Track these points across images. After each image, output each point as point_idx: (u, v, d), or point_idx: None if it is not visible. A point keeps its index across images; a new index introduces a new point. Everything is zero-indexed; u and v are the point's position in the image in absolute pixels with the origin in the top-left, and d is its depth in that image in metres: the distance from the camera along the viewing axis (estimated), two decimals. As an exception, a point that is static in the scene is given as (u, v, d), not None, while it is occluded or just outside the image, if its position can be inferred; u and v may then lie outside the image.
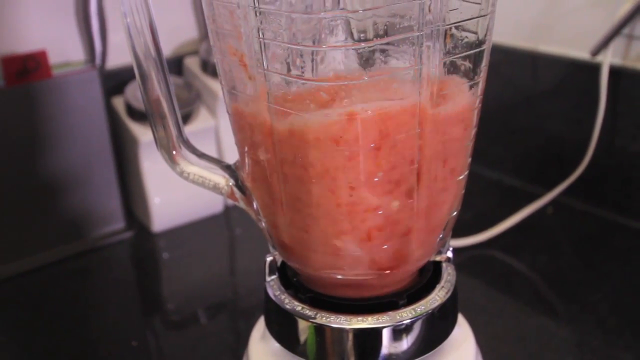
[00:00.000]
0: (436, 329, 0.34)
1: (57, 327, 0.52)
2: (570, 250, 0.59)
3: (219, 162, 0.36)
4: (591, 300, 0.51)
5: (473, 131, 0.33)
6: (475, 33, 0.30)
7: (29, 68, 0.57)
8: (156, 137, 0.35)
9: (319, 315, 0.33)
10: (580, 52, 0.63)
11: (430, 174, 0.31)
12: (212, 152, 0.68)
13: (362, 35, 0.28)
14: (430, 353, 0.34)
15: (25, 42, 0.60)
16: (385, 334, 0.32)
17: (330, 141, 0.29)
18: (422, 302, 0.34)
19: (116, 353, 0.49)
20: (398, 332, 0.32)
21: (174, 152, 0.35)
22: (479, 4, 0.30)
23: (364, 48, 0.28)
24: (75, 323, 0.52)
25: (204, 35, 0.71)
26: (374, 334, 0.32)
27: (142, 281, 0.61)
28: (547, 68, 0.66)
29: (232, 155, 0.38)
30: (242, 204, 0.36)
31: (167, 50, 0.70)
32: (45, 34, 0.61)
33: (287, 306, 0.34)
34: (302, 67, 0.29)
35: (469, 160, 0.34)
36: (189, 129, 0.64)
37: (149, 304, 0.57)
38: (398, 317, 0.33)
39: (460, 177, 0.34)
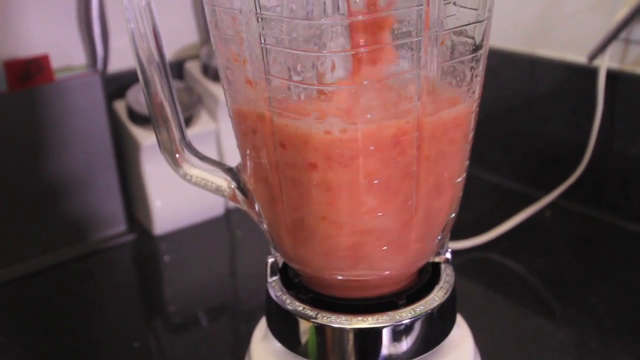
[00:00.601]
0: (435, 329, 0.34)
1: (59, 329, 0.52)
2: (569, 252, 0.60)
3: (221, 165, 0.37)
4: (589, 302, 0.52)
5: (471, 134, 0.34)
6: (473, 38, 0.31)
7: (31, 72, 0.57)
8: (159, 141, 0.35)
9: (320, 315, 0.33)
10: (578, 56, 0.64)
11: (429, 176, 0.32)
12: (212, 156, 0.68)
13: (361, 40, 0.28)
14: (429, 353, 0.34)
15: (27, 47, 0.61)
16: (385, 334, 0.33)
17: (330, 145, 0.29)
18: (422, 302, 0.34)
19: (118, 355, 0.49)
20: (398, 332, 0.33)
21: (177, 155, 0.35)
22: (476, 10, 0.30)
23: (363, 53, 0.28)
24: (77, 325, 0.53)
25: (204, 40, 0.72)
26: (374, 334, 0.33)
27: (144, 284, 0.61)
28: (545, 72, 0.67)
29: (232, 159, 0.38)
30: (243, 206, 0.37)
31: (168, 54, 0.70)
32: (48, 38, 0.62)
33: (289, 306, 0.34)
34: (302, 72, 0.29)
35: (467, 163, 0.35)
36: (190, 133, 0.63)
37: (151, 306, 0.57)
38: (397, 317, 0.33)
39: (459, 180, 0.34)
